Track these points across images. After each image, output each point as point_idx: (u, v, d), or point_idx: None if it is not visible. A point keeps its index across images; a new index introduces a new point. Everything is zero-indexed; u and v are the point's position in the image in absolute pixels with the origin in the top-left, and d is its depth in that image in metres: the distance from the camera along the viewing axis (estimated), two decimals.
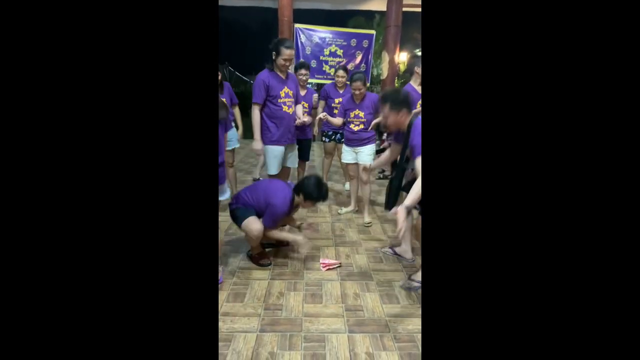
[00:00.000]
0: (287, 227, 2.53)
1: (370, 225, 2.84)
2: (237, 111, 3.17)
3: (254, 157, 5.05)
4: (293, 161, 2.82)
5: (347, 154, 3.00)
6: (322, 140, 3.65)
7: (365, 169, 2.70)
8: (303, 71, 3.16)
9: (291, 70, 2.84)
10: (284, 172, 2.82)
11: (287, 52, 2.40)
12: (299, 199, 2.15)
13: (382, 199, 2.91)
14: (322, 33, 5.27)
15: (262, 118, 2.55)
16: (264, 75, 2.49)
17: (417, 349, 1.54)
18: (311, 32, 5.27)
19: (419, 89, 2.91)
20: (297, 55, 5.27)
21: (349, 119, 2.88)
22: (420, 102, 2.95)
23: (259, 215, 2.14)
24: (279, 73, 2.52)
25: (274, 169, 2.66)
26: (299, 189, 2.14)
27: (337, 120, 2.93)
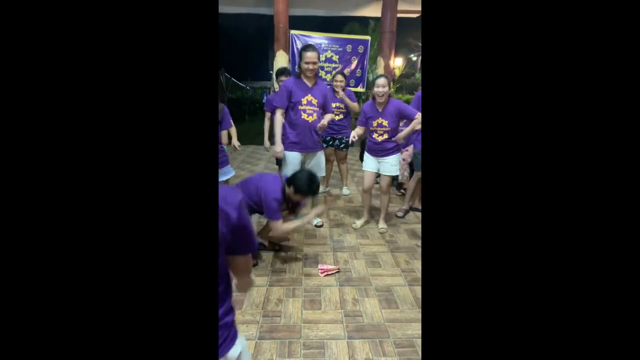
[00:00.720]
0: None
1: (386, 232, 2.82)
2: (233, 131, 2.87)
3: (252, 162, 5.05)
4: (316, 169, 2.73)
5: (370, 162, 2.81)
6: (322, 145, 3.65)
7: (385, 181, 2.72)
8: (283, 77, 3.20)
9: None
10: None
11: (307, 55, 2.47)
12: (289, 190, 2.11)
13: (391, 207, 2.90)
14: (317, 39, 5.30)
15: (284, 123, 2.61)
16: (289, 81, 2.62)
17: (417, 354, 1.53)
18: (307, 39, 5.30)
19: None
20: (293, 61, 5.30)
21: (371, 128, 2.67)
22: None
23: (253, 210, 2.15)
24: (305, 80, 2.56)
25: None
26: (290, 181, 2.12)
27: (360, 130, 2.71)
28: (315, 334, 1.65)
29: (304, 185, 2.07)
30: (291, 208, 2.27)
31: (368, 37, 5.57)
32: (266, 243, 2.42)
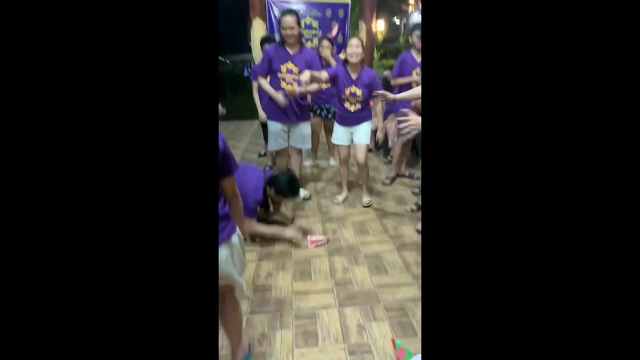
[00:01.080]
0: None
1: (370, 205, 2.72)
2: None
3: (235, 138, 4.94)
4: (300, 142, 2.67)
5: (340, 134, 2.61)
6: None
7: (362, 153, 2.52)
8: (266, 45, 3.05)
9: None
10: (294, 154, 2.77)
11: (285, 20, 2.35)
12: (270, 191, 2.13)
13: (378, 175, 2.85)
14: (295, 5, 5.05)
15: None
16: (270, 48, 2.54)
17: (407, 317, 1.56)
18: (284, 4, 5.04)
19: (417, 57, 2.82)
20: (271, 30, 5.07)
21: (343, 96, 2.47)
22: (416, 70, 2.85)
23: None
24: (287, 47, 2.44)
25: (271, 146, 2.72)
26: (271, 182, 2.12)
27: (323, 76, 2.37)
28: (306, 304, 1.66)
29: (285, 188, 2.08)
30: (274, 205, 2.29)
31: (348, 1, 5.33)
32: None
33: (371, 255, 2.07)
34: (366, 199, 2.73)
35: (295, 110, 2.56)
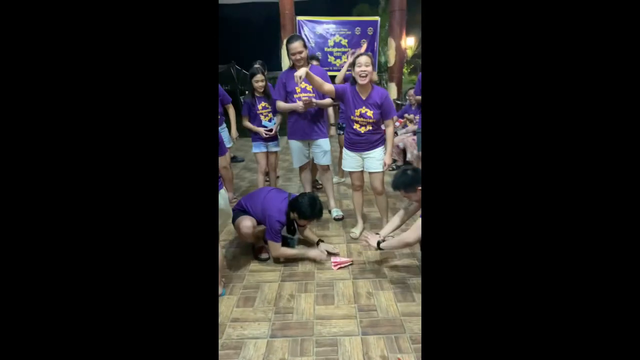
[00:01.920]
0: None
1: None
2: (231, 111, 3.23)
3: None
4: (320, 157, 2.72)
5: (350, 161, 2.40)
6: (337, 133, 3.50)
7: (378, 180, 2.33)
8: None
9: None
10: (322, 172, 2.81)
11: (291, 47, 2.46)
12: (294, 215, 2.13)
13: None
14: (325, 24, 5.14)
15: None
16: (283, 73, 2.68)
17: None
18: (314, 24, 5.15)
19: None
20: None
21: (352, 117, 2.26)
22: None
23: (258, 223, 2.18)
24: (297, 69, 2.51)
25: (295, 163, 2.84)
26: (293, 207, 2.12)
27: (326, 86, 2.25)
28: (328, 330, 1.61)
29: (307, 211, 2.07)
30: (299, 227, 2.30)
31: (377, 18, 5.35)
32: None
33: (397, 279, 1.98)
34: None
35: (313, 127, 2.65)
